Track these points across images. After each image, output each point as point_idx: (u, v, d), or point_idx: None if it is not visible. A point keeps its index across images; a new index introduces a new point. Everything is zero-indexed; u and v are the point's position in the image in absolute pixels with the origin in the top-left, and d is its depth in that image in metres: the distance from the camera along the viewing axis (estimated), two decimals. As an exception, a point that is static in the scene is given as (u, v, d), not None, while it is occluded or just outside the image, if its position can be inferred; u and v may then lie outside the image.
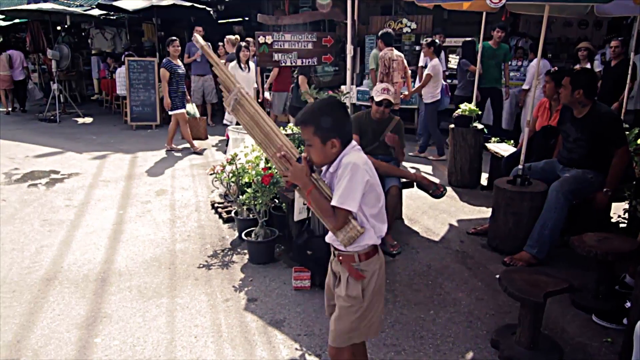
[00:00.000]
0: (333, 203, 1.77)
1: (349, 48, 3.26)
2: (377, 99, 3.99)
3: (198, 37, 2.08)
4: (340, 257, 1.93)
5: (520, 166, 3.85)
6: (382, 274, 1.94)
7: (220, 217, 4.70)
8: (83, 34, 14.05)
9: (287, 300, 3.24)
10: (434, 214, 4.68)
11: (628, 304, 2.87)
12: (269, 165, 3.91)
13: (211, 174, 4.23)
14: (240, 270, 3.67)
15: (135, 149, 7.56)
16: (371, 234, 1.85)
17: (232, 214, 4.34)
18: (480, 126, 5.41)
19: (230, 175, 4.12)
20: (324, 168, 1.90)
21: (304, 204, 3.43)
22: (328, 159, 1.84)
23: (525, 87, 6.82)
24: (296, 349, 2.72)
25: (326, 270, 3.31)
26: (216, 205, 4.92)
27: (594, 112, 3.64)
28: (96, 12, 11.27)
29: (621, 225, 4.10)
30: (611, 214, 4.13)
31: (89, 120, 10.31)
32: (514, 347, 2.61)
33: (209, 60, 1.98)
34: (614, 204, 4.05)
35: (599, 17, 6.20)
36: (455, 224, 4.53)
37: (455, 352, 2.69)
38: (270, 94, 7.92)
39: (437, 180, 4.24)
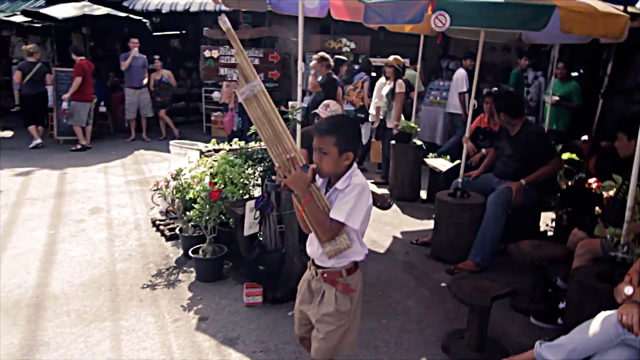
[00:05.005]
0: (338, 218, 1.79)
1: (300, 65, 3.31)
2: (322, 115, 4.06)
3: (225, 19, 1.94)
4: (325, 275, 1.94)
5: (460, 179, 4.07)
6: (362, 287, 1.99)
7: (163, 234, 4.53)
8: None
9: (239, 317, 3.18)
10: (378, 227, 4.80)
11: (562, 305, 3.10)
12: (215, 180, 3.85)
13: (155, 190, 4.08)
14: (188, 289, 3.55)
15: (63, 165, 7.11)
16: (359, 250, 1.92)
17: (177, 231, 4.20)
18: (419, 142, 5.66)
19: (175, 191, 4.00)
20: (320, 181, 1.93)
21: (255, 219, 3.39)
22: (338, 171, 1.88)
23: (462, 90, 7.14)
24: (252, 366, 2.67)
25: (278, 285, 3.32)
26: (157, 222, 4.73)
27: (524, 129, 3.96)
28: (19, 18, 10.56)
29: (549, 233, 4.43)
30: (540, 223, 4.46)
31: (9, 134, 9.56)
32: (463, 350, 2.73)
33: (233, 45, 1.88)
34: (542, 214, 4.39)
35: (526, 43, 6.68)
36: (400, 235, 4.68)
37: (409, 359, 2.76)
38: (69, 103, 8.09)
39: (380, 192, 4.37)
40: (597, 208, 4.16)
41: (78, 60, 8.09)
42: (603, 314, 2.05)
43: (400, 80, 6.00)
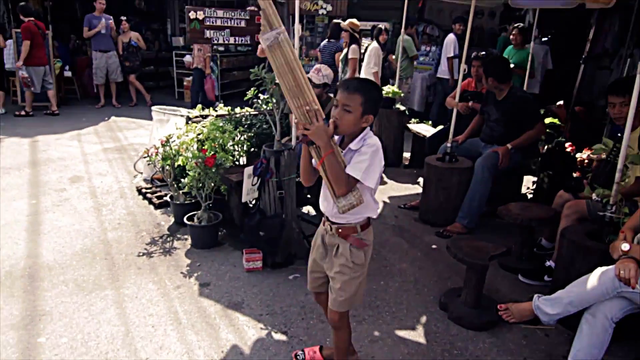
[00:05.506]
0: (355, 175, 1.82)
1: (297, 27, 3.25)
2: (314, 80, 4.04)
3: None
4: (340, 230, 1.99)
5: (448, 144, 4.17)
6: (372, 242, 2.08)
7: (151, 202, 4.47)
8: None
9: (240, 282, 3.22)
10: (366, 192, 4.89)
11: (548, 263, 3.30)
12: (205, 147, 3.80)
13: (145, 157, 4.00)
14: (185, 256, 3.55)
15: (32, 133, 6.82)
16: (373, 207, 1.98)
17: (168, 199, 4.15)
18: (402, 108, 5.72)
19: (165, 158, 3.94)
20: (335, 139, 1.94)
21: (253, 185, 3.40)
22: (355, 130, 1.89)
23: (449, 55, 7.22)
24: (261, 328, 2.74)
25: (277, 250, 3.36)
26: (143, 190, 4.65)
27: (510, 94, 4.06)
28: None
29: (529, 196, 4.64)
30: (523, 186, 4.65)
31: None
32: (461, 307, 2.88)
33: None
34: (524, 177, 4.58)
35: (513, 7, 6.64)
36: (387, 200, 4.79)
37: (410, 317, 2.89)
38: (24, 69, 7.62)
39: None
40: (576, 171, 4.40)
41: (26, 21, 7.54)
42: (600, 269, 2.20)
43: (354, 46, 5.88)
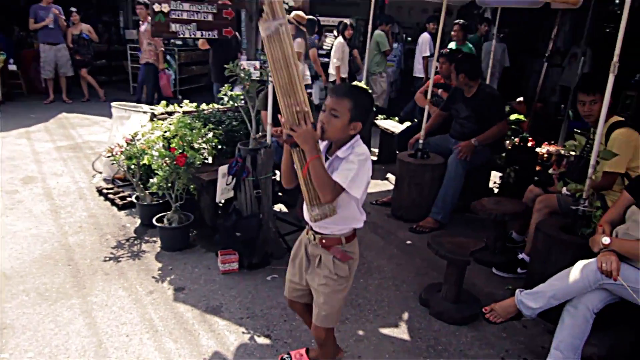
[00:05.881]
0: (341, 183, 1.74)
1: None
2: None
3: None
4: (324, 240, 1.91)
5: (420, 141, 4.20)
6: (358, 253, 2.01)
7: (113, 204, 4.25)
8: None
9: (217, 285, 3.11)
10: (337, 189, 4.85)
11: (521, 256, 3.38)
12: (173, 145, 3.65)
13: (109, 156, 3.79)
14: (156, 260, 3.39)
15: (-25, 131, 6.34)
16: (359, 217, 1.90)
17: (133, 199, 3.95)
18: (369, 104, 5.72)
19: (131, 157, 3.75)
20: (322, 145, 1.87)
21: (227, 184, 3.28)
22: (342, 137, 1.82)
23: (425, 54, 7.33)
24: (243, 332, 2.65)
25: (254, 251, 3.27)
26: (105, 191, 4.42)
27: (479, 91, 4.13)
28: None
29: (495, 190, 4.75)
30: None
31: None
32: (441, 303, 2.90)
33: None
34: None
35: (480, 5, 6.73)
36: (358, 197, 4.77)
37: (393, 314, 2.89)
38: None
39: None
40: (538, 165, 4.55)
41: None
42: (581, 263, 2.27)
43: (299, 39, 5.81)
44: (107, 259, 3.36)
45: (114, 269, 3.23)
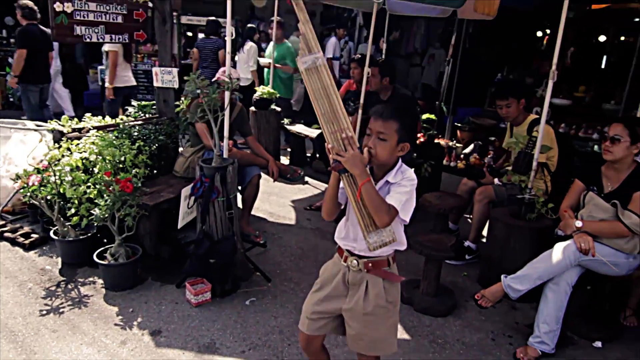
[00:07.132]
0: (396, 206, 1.70)
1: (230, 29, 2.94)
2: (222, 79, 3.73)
3: None
4: (370, 264, 1.83)
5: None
6: None
7: (15, 244, 3.50)
8: None
9: (196, 321, 2.81)
10: (267, 199, 4.73)
11: (467, 243, 3.75)
12: (98, 168, 3.18)
13: (22, 188, 3.11)
14: (107, 303, 2.92)
15: None
16: (403, 240, 1.87)
17: (52, 235, 3.30)
18: (278, 108, 5.67)
19: (49, 187, 3.14)
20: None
21: (189, 208, 2.97)
22: (391, 160, 1.77)
23: (329, 55, 7.43)
24: (253, 367, 2.46)
25: (227, 277, 3.04)
26: (-3, 230, 3.61)
27: (395, 94, 4.42)
28: None
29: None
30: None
31: None
32: (424, 298, 3.07)
33: (299, 15, 1.72)
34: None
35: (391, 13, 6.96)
36: (291, 203, 4.72)
37: (385, 318, 2.96)
38: None
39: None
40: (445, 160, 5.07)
41: None
42: (560, 245, 2.62)
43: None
44: (44, 312, 2.78)
45: (60, 324, 2.69)
